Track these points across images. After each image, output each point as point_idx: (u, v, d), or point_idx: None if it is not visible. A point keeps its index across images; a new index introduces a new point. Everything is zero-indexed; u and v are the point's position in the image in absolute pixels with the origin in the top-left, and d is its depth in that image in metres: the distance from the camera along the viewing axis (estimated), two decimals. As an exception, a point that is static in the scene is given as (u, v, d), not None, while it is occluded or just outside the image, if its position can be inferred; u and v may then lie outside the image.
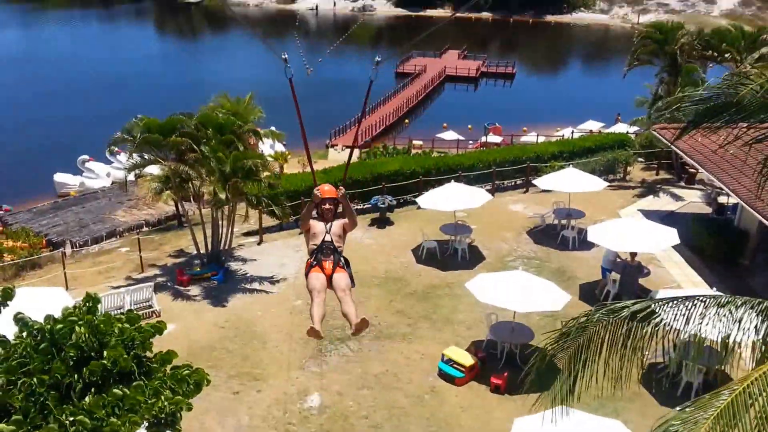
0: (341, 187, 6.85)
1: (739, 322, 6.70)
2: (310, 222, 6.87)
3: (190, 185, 19.47)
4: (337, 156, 36.12)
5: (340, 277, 6.63)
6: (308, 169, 20.04)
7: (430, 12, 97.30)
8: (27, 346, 6.03)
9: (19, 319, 6.16)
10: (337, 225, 6.86)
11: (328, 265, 6.65)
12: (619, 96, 41.42)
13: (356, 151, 35.86)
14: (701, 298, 7.12)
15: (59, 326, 6.07)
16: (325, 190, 6.86)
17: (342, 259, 6.77)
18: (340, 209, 7.09)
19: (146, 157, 19.17)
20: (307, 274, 6.80)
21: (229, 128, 18.96)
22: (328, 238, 6.74)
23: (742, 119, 8.25)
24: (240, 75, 58.27)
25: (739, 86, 8.31)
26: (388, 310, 17.01)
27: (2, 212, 27.79)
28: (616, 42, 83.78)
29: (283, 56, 6.85)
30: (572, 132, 36.97)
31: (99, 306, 6.60)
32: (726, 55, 27.29)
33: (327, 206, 6.90)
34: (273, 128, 27.66)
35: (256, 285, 18.69)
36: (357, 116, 36.71)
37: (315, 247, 6.77)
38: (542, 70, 74.06)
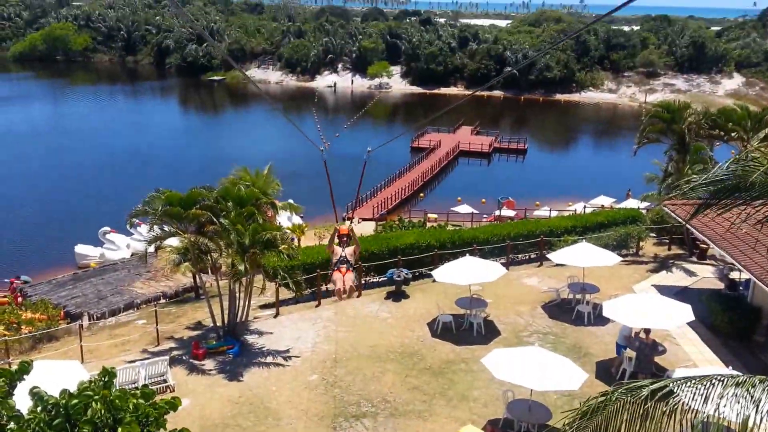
0: (352, 226, 10.81)
1: (758, 403, 6.72)
2: (333, 246, 10.61)
3: (209, 257, 19.82)
4: (354, 228, 36.50)
5: (349, 276, 10.44)
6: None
7: (443, 90, 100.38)
8: (41, 421, 6.02)
9: (35, 393, 6.17)
10: (349, 248, 10.58)
11: (343, 269, 10.44)
12: (629, 172, 42.10)
13: (371, 224, 36.40)
14: (719, 377, 7.16)
15: (74, 401, 6.11)
16: (342, 228, 10.65)
17: (352, 267, 10.49)
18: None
19: (167, 229, 19.60)
20: (331, 275, 10.61)
21: (249, 201, 19.45)
22: (343, 255, 10.47)
23: (754, 199, 8.52)
24: (259, 149, 59.84)
25: (749, 168, 8.63)
26: (403, 386, 16.89)
27: (21, 284, 28.17)
28: (625, 120, 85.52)
29: (321, 148, 9.89)
30: (584, 207, 37.35)
31: (114, 380, 6.64)
32: (732, 134, 27.82)
33: (343, 238, 10.67)
34: (291, 201, 28.33)
35: (271, 359, 18.66)
36: (361, 188, 39.77)
37: (336, 260, 10.50)
38: (553, 146, 75.39)
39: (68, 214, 42.00)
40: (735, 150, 28.37)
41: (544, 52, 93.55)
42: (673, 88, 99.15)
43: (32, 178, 51.23)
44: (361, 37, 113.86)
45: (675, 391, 7.03)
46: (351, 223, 11.59)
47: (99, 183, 49.36)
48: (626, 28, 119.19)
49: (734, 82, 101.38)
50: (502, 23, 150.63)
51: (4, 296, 26.91)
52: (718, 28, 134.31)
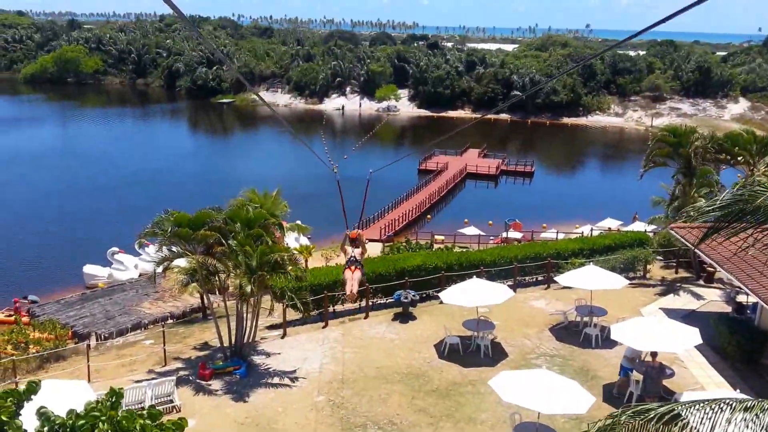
0: (360, 232, 12.09)
1: (767, 428, 6.73)
2: (345, 247, 11.99)
3: (217, 278, 19.93)
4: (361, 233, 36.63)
5: (357, 275, 11.72)
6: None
7: (451, 113, 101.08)
8: (47, 442, 6.00)
9: (42, 413, 6.18)
10: (357, 250, 11.93)
11: (352, 267, 11.74)
12: (636, 195, 42.15)
13: (379, 246, 36.49)
14: (727, 401, 7.17)
15: (81, 422, 6.13)
16: (352, 233, 11.94)
17: (360, 265, 11.78)
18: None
19: (175, 250, 19.74)
20: (343, 272, 11.93)
21: (257, 222, 19.60)
22: (353, 256, 11.78)
23: (761, 223, 8.60)
24: (268, 171, 60.32)
25: (755, 192, 8.72)
26: (410, 408, 16.84)
27: (29, 303, 28.34)
28: (631, 143, 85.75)
29: (334, 169, 11.64)
30: (591, 229, 37.34)
31: (121, 401, 6.64)
32: (739, 158, 27.87)
33: (354, 242, 11.98)
34: (299, 222, 28.48)
35: (278, 380, 18.66)
36: (369, 209, 42.35)
37: (347, 259, 11.84)
38: (560, 169, 75.56)
39: (77, 234, 42.29)
40: (741, 174, 28.38)
41: (555, 78, 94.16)
42: (679, 112, 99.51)
43: (42, 198, 51.71)
44: (369, 60, 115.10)
45: (683, 414, 7.05)
46: (358, 229, 12.33)
47: (108, 203, 49.74)
48: (632, 53, 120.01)
49: (740, 106, 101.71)
50: (509, 47, 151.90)
51: (9, 315, 27.09)
52: (724, 53, 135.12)
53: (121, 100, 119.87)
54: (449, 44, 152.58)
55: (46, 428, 6.16)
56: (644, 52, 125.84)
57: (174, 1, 4.76)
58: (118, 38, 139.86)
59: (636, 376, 16.91)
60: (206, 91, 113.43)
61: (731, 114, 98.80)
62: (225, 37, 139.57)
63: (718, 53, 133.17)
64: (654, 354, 16.58)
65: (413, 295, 23.13)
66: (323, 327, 22.34)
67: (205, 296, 23.16)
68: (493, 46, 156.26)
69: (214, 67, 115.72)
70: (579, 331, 20.97)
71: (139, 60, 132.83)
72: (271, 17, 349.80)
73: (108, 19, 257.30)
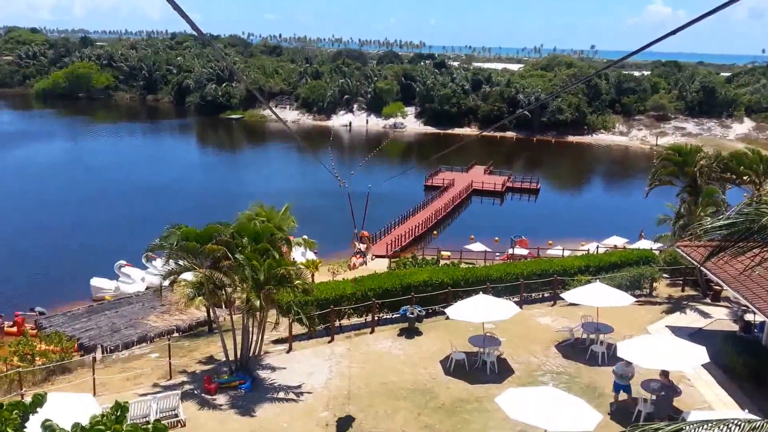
0: (365, 233, 25.06)
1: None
2: (354, 242, 25.57)
3: (223, 292, 19.99)
4: (367, 265, 36.72)
5: (360, 260, 24.71)
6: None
7: (457, 130, 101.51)
8: (52, 454, 6.00)
9: (47, 426, 6.14)
10: (363, 245, 25.79)
11: (358, 255, 26.06)
12: (642, 213, 42.09)
13: (385, 261, 36.55)
14: (735, 422, 7.14)
15: None
16: (363, 233, 25.13)
17: (364, 255, 25.90)
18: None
19: (182, 263, 19.81)
20: (351, 258, 24.84)
21: (264, 237, 19.70)
22: (360, 248, 25.00)
23: (767, 243, 8.62)
24: (275, 185, 60.67)
25: (761, 211, 8.76)
26: (416, 425, 16.78)
27: (36, 315, 28.46)
28: (636, 161, 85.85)
29: (344, 183, 16.58)
30: (597, 247, 37.31)
31: (126, 415, 6.70)
32: (744, 177, 27.85)
33: (362, 240, 26.08)
34: (305, 237, 28.59)
35: (283, 394, 18.64)
36: (375, 223, 44.37)
37: (355, 250, 24.97)
38: (565, 186, 75.61)
39: (85, 247, 42.55)
40: (747, 193, 28.36)
41: (555, 94, 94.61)
42: (683, 131, 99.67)
43: (51, 211, 52.07)
44: (376, 78, 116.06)
45: (690, 434, 7.02)
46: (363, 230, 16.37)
47: (116, 217, 50.04)
48: (636, 73, 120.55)
49: (745, 126, 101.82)
50: (515, 67, 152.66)
51: (11, 326, 27.21)
52: (728, 74, 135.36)
53: (131, 115, 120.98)
54: (455, 63, 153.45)
55: (50, 442, 6.15)
56: (648, 73, 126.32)
57: (183, 19, 4.93)
58: (130, 55, 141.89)
59: (643, 393, 16.83)
60: (215, 107, 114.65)
61: (736, 134, 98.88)
62: (235, 54, 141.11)
63: (722, 74, 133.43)
64: (665, 373, 16.51)
65: (419, 311, 23.14)
66: (329, 342, 22.34)
67: (211, 310, 23.20)
68: (498, 66, 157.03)
69: (224, 84, 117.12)
70: (585, 348, 20.90)
71: (150, 76, 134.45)
72: (280, 35, 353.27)
73: (120, 37, 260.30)
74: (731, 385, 18.58)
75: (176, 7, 5.78)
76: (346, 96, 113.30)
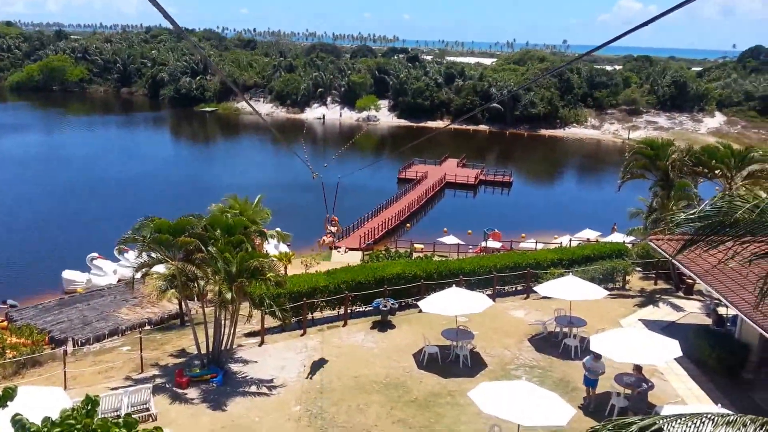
0: (336, 219, 19.10)
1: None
2: (327, 225, 17.75)
3: (196, 284, 19.66)
4: (340, 258, 36.55)
5: (330, 239, 18.06)
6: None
7: (430, 123, 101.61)
8: (22, 449, 5.83)
9: (17, 421, 6.01)
10: (334, 228, 18.19)
11: (329, 235, 18.09)
12: (614, 206, 42.60)
13: (358, 254, 36.40)
14: (709, 416, 7.13)
15: (56, 430, 6.00)
16: (333, 218, 18.32)
17: (333, 234, 18.73)
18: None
19: (154, 256, 19.44)
20: (323, 237, 18.31)
21: (237, 229, 19.40)
22: (330, 229, 17.70)
23: (739, 236, 8.64)
24: (249, 177, 60.09)
25: (735, 205, 8.77)
26: (388, 419, 16.67)
27: (7, 308, 27.77)
28: (609, 155, 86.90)
29: (319, 174, 17.18)
30: (570, 240, 37.61)
31: (97, 408, 6.53)
32: (716, 171, 28.19)
33: (332, 222, 18.41)
34: (278, 229, 28.26)
35: (255, 388, 18.39)
36: (347, 215, 45.45)
37: (326, 231, 18.07)
38: (538, 180, 76.23)
39: (57, 240, 41.68)
40: (719, 187, 28.77)
41: (526, 85, 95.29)
42: (655, 125, 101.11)
43: (23, 203, 51.05)
44: (350, 72, 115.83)
45: (664, 428, 6.99)
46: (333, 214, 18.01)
47: (88, 209, 49.19)
48: (609, 68, 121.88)
49: (716, 120, 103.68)
50: (487, 61, 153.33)
51: None
52: (699, 69, 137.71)
53: (105, 108, 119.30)
54: (429, 57, 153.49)
55: (20, 436, 5.97)
56: (620, 67, 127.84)
57: (159, 14, 4.89)
58: (104, 48, 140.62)
59: (616, 387, 16.95)
60: (190, 100, 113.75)
61: (707, 128, 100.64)
62: (210, 48, 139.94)
63: (693, 69, 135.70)
64: (638, 368, 16.62)
65: (392, 304, 23.02)
66: (301, 335, 22.12)
67: (183, 303, 22.82)
68: (471, 60, 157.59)
69: (198, 77, 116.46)
70: (558, 342, 21.00)
71: (124, 69, 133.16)
72: (254, 30, 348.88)
73: (95, 31, 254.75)
74: (704, 379, 18.80)
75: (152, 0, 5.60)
76: (319, 89, 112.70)
